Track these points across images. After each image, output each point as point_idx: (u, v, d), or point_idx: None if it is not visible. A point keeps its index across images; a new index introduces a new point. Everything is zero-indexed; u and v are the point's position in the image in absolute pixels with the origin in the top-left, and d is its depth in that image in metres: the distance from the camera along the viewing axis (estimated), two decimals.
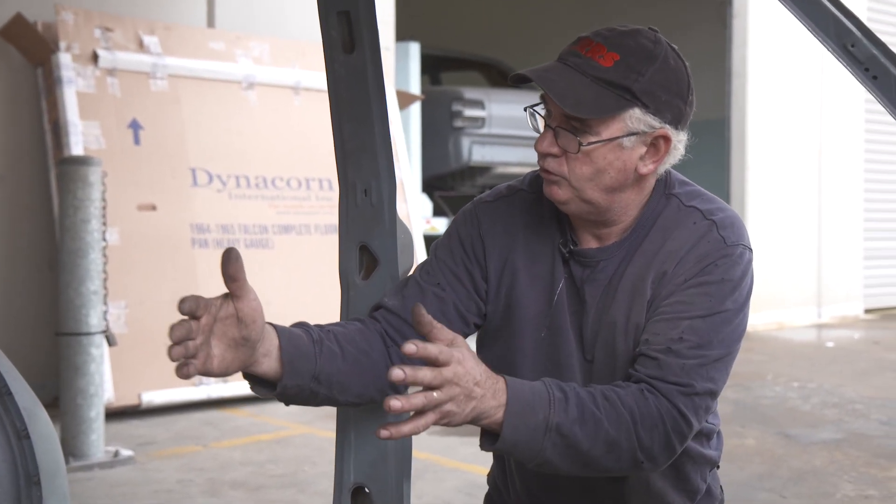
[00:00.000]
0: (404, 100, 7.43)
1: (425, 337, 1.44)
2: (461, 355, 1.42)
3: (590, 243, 1.75)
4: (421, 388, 1.40)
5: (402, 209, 6.68)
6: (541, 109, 1.69)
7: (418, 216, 7.15)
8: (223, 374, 1.47)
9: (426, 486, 4.15)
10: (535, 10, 12.62)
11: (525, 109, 1.72)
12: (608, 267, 1.72)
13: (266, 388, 1.59)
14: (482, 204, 1.82)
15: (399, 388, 1.72)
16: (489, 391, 1.45)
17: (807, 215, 10.49)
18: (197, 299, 1.43)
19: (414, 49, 8.09)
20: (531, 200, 1.79)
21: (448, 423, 1.43)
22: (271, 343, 1.54)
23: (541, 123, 1.69)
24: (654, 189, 1.74)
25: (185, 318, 1.42)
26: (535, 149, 1.67)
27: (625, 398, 1.56)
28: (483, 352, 1.82)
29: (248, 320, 1.46)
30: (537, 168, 1.80)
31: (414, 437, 1.98)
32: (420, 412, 1.39)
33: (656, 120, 1.63)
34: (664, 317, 1.64)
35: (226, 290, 1.45)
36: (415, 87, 8.04)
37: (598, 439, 1.53)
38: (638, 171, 1.66)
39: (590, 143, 1.61)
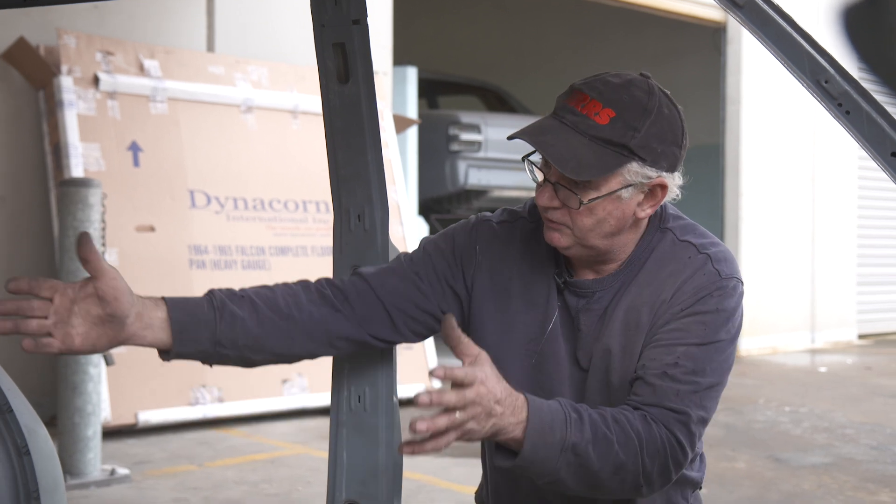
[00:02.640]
0: (401, 124, 7.50)
1: (452, 348, 1.50)
2: (483, 375, 1.47)
3: (586, 275, 1.80)
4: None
5: (397, 232, 6.74)
6: (538, 160, 1.72)
7: (414, 239, 7.20)
8: (90, 350, 1.57)
9: None
10: (532, 36, 12.72)
11: (522, 160, 1.76)
12: (604, 297, 1.77)
13: (165, 354, 1.67)
14: (485, 223, 1.87)
15: (340, 350, 1.79)
16: (508, 408, 1.51)
17: (800, 241, 10.56)
18: (31, 281, 1.53)
19: (411, 73, 8.17)
20: (531, 229, 1.84)
21: (468, 439, 1.49)
22: (154, 316, 1.62)
23: (539, 174, 1.73)
24: (649, 223, 1.79)
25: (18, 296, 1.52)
26: (536, 202, 1.72)
27: (633, 423, 1.61)
28: None
29: (109, 297, 1.55)
30: None
31: (406, 458, 2.03)
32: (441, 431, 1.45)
33: (653, 171, 1.68)
34: (661, 343, 1.69)
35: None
36: (412, 111, 8.12)
37: (607, 461, 1.58)
38: (636, 216, 1.72)
39: (591, 200, 1.66)
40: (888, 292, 11.80)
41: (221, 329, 1.68)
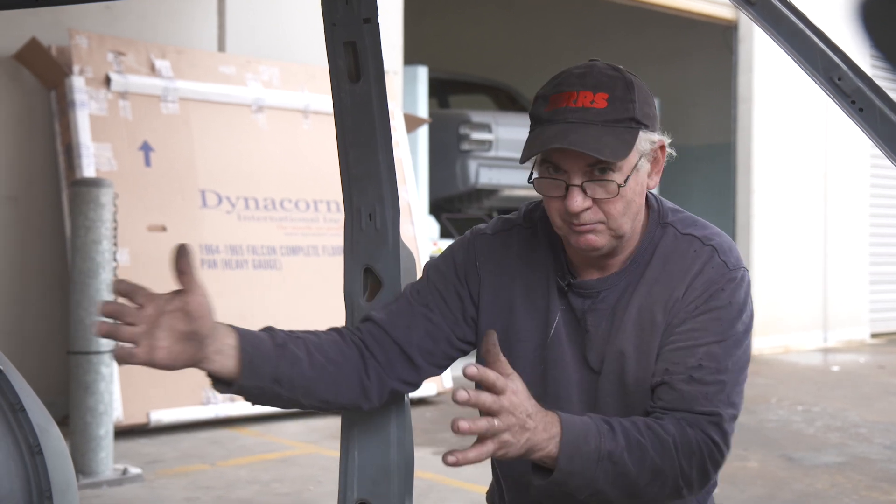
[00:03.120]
0: (412, 123, 7.50)
1: (489, 364, 1.50)
2: (515, 387, 1.48)
3: (590, 275, 1.78)
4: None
5: (409, 231, 6.73)
6: (551, 174, 1.68)
7: (425, 238, 7.20)
8: (170, 366, 1.54)
9: None
10: (539, 35, 12.70)
11: (529, 181, 1.72)
12: (610, 296, 1.76)
13: (225, 385, 1.64)
14: (481, 236, 1.86)
15: (372, 402, 1.77)
16: (540, 424, 1.51)
17: (812, 239, 10.52)
18: (134, 285, 1.52)
19: (422, 73, 8.16)
20: (527, 235, 1.83)
21: (505, 453, 1.48)
22: (225, 342, 1.60)
23: (553, 187, 1.68)
24: (649, 218, 1.79)
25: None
26: (570, 209, 1.65)
27: (666, 427, 1.62)
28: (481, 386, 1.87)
29: (196, 314, 1.53)
30: (531, 201, 1.85)
31: (418, 457, 2.03)
32: (481, 439, 1.46)
33: (655, 134, 1.71)
34: (680, 345, 1.69)
35: (176, 287, 1.55)
36: (422, 110, 8.11)
37: (644, 467, 1.58)
38: (648, 187, 1.74)
39: (626, 180, 1.67)
40: None
41: (282, 367, 1.67)
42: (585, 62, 1.74)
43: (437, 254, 6.84)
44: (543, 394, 1.78)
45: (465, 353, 1.86)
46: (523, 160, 1.67)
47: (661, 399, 1.67)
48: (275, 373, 1.65)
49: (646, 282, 1.75)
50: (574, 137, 1.64)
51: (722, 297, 1.70)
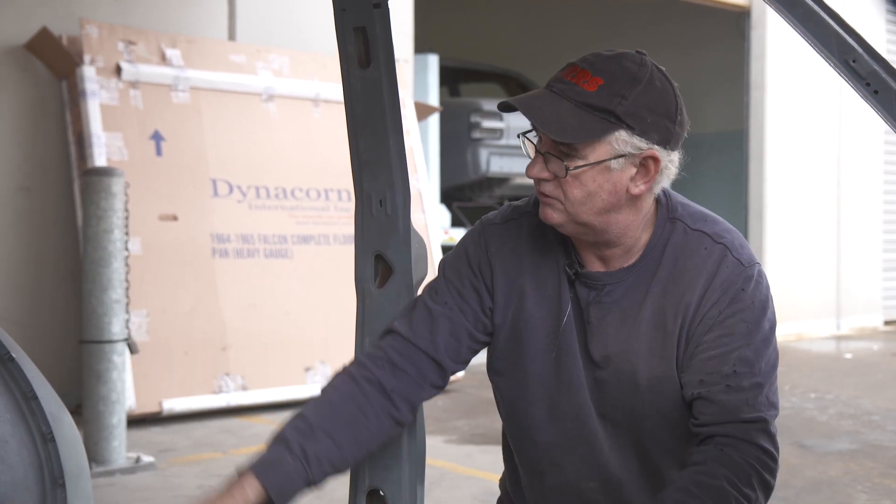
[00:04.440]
0: (423, 111, 7.49)
1: None
2: None
3: (595, 266, 1.77)
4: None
5: (420, 220, 6.73)
6: (532, 136, 1.72)
7: (436, 227, 7.20)
8: None
9: (442, 493, 4.18)
10: (553, 23, 12.66)
11: (518, 136, 1.76)
12: (615, 291, 1.75)
13: None
14: (491, 226, 1.85)
15: (408, 421, 1.81)
16: None
17: (826, 227, 10.48)
18: None
19: (432, 61, 8.15)
20: (536, 223, 1.81)
21: None
22: (249, 499, 1.64)
23: (532, 150, 1.72)
24: (658, 214, 1.76)
25: None
26: (527, 174, 1.71)
27: (713, 470, 1.61)
28: (493, 374, 1.86)
29: None
30: None
31: (430, 445, 2.03)
32: None
33: (643, 141, 1.64)
34: (711, 353, 1.68)
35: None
36: (433, 98, 8.10)
37: None
38: (630, 192, 1.68)
39: (577, 168, 1.64)
40: None
41: (312, 473, 1.70)
42: (626, 50, 1.69)
43: (449, 242, 6.81)
44: (556, 380, 1.78)
45: (486, 345, 1.86)
46: (500, 106, 1.68)
47: (703, 414, 1.67)
48: (307, 480, 1.69)
49: (659, 281, 1.73)
50: (537, 104, 1.65)
51: (744, 297, 1.69)
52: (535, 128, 1.69)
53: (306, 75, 6.58)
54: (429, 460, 1.96)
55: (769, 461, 1.65)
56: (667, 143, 1.67)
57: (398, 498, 1.90)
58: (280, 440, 1.72)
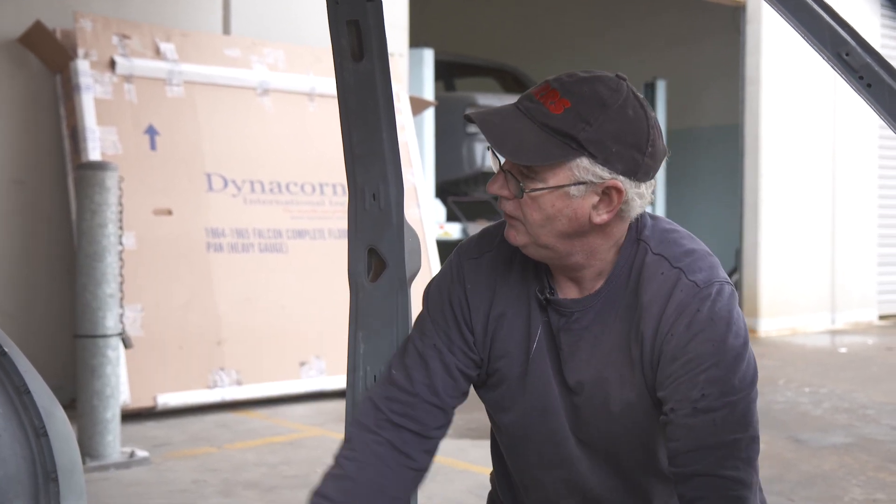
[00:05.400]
0: (418, 105, 7.48)
1: None
2: None
3: (569, 291, 1.74)
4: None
5: (415, 214, 6.72)
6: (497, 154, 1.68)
7: (431, 221, 7.20)
8: None
9: (436, 487, 4.19)
10: (550, 18, 12.64)
11: (488, 148, 1.74)
12: (583, 318, 1.71)
13: None
14: (468, 261, 1.81)
15: (428, 467, 1.84)
16: None
17: (820, 221, 10.49)
18: None
19: (428, 55, 8.14)
20: (510, 249, 1.76)
21: None
22: None
23: (495, 164, 1.68)
24: (627, 236, 1.71)
25: None
26: (487, 189, 1.68)
27: None
28: (477, 388, 1.87)
29: None
30: None
31: None
32: None
33: (605, 171, 1.59)
34: (681, 379, 1.62)
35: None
36: (428, 93, 8.09)
37: None
38: (592, 220, 1.63)
39: (533, 190, 1.61)
40: None
41: None
42: (605, 73, 1.64)
43: (444, 237, 6.79)
44: (530, 406, 1.77)
45: (479, 373, 1.84)
46: (465, 116, 1.63)
47: (672, 440, 1.62)
48: None
49: (623, 307, 1.69)
50: (496, 121, 1.61)
51: (700, 318, 1.62)
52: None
53: (301, 69, 6.57)
54: None
55: (741, 488, 1.59)
56: (633, 174, 1.61)
57: None
58: None
